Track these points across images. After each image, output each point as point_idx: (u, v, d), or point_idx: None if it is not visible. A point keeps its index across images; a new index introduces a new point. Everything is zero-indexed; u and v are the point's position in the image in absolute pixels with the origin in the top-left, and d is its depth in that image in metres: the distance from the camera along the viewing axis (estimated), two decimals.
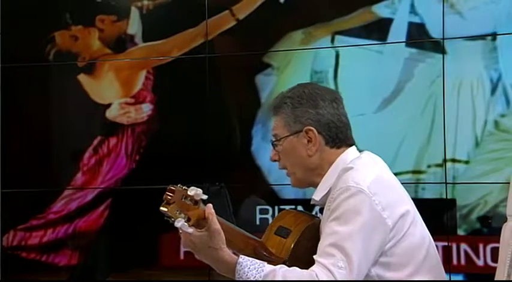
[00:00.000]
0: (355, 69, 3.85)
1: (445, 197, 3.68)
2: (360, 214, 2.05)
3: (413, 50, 3.77)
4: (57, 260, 4.23)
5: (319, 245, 2.08)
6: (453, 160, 3.67)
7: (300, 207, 3.66)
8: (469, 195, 3.66)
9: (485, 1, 3.64)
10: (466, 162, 3.66)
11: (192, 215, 1.96)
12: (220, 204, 3.89)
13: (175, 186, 1.97)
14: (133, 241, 4.10)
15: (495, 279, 2.13)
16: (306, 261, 2.07)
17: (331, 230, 2.06)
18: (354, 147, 2.27)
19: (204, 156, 4.01)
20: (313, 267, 2.03)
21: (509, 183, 2.17)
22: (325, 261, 2.02)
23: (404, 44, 3.78)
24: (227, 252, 2.02)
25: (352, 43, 3.86)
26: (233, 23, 4.05)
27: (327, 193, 2.19)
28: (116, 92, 4.23)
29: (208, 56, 4.06)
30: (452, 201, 3.68)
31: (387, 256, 2.10)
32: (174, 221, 1.96)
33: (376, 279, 2.10)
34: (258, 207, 3.96)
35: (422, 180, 3.72)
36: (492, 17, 3.63)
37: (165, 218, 1.99)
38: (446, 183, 3.66)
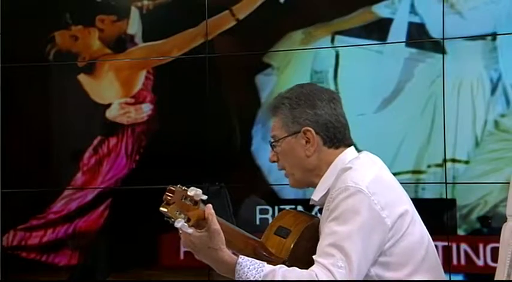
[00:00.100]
0: (355, 69, 3.85)
1: (445, 197, 3.68)
2: (358, 214, 2.05)
3: (413, 50, 3.77)
4: (57, 260, 4.23)
5: (318, 245, 2.08)
6: (453, 160, 3.67)
7: (300, 207, 3.66)
8: (469, 195, 3.66)
9: (485, 1, 3.64)
10: (466, 162, 3.66)
11: (191, 215, 1.96)
12: (220, 204, 3.89)
13: (175, 186, 1.97)
14: (133, 241, 4.10)
15: (495, 279, 2.13)
16: (306, 261, 2.07)
17: (330, 230, 2.06)
18: (352, 147, 2.27)
19: (204, 156, 4.01)
20: (312, 267, 2.03)
21: (509, 183, 2.17)
22: (324, 261, 2.02)
23: (404, 44, 3.78)
24: (227, 253, 2.02)
25: (352, 43, 3.87)
26: (233, 23, 4.05)
27: (325, 193, 2.19)
28: (116, 92, 4.23)
29: (208, 56, 4.06)
30: (452, 201, 3.68)
31: (386, 256, 2.10)
32: (174, 222, 1.96)
33: (376, 279, 2.10)
34: (258, 207, 3.96)
35: (422, 180, 3.72)
36: (492, 17, 3.63)
37: (165, 218, 1.99)
38: (446, 183, 3.66)
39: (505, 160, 3.59)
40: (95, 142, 4.22)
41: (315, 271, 2.01)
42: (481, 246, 3.62)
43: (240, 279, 2.01)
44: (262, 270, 2.01)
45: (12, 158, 4.28)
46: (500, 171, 3.59)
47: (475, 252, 3.64)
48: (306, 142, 2.23)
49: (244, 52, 4.04)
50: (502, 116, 3.62)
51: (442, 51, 3.69)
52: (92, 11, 4.25)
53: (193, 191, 1.96)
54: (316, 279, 2.00)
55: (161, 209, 1.95)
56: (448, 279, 3.53)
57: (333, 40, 3.91)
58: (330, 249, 2.03)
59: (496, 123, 3.63)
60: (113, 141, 4.21)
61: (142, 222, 3.89)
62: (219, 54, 4.08)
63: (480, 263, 3.63)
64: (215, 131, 4.03)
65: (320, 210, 2.24)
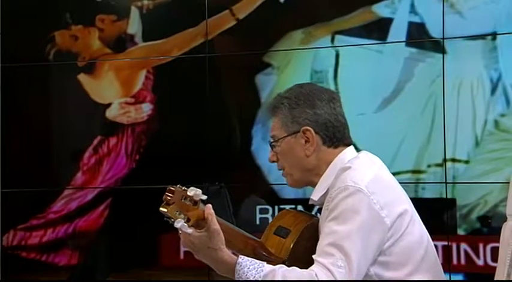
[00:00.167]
0: (355, 68, 3.85)
1: (445, 196, 3.68)
2: (358, 213, 2.05)
3: (413, 50, 3.77)
4: (57, 259, 4.23)
5: (318, 244, 2.08)
6: (453, 160, 3.67)
7: (300, 207, 3.66)
8: (469, 194, 3.66)
9: (485, 1, 3.64)
10: (466, 162, 3.66)
11: (191, 215, 1.96)
12: (220, 204, 3.89)
13: (174, 186, 1.97)
14: (133, 241, 4.10)
15: (495, 278, 2.13)
16: (306, 261, 2.07)
17: (329, 230, 2.06)
18: (351, 147, 2.27)
19: (204, 156, 4.01)
20: (312, 267, 2.03)
21: (509, 182, 2.17)
22: (324, 260, 2.02)
23: (404, 43, 3.78)
24: (226, 253, 2.02)
25: (352, 43, 3.86)
26: (233, 22, 4.05)
27: (325, 193, 2.19)
28: (116, 91, 4.23)
29: (208, 56, 4.06)
30: (452, 201, 3.68)
31: (386, 255, 2.10)
32: (173, 222, 1.96)
33: (375, 278, 2.10)
34: (258, 207, 3.96)
35: (422, 179, 3.72)
36: (492, 16, 3.63)
37: (165, 218, 1.99)
38: (446, 182, 3.66)
39: (505, 160, 3.59)
40: (95, 142, 4.22)
41: (314, 271, 2.01)
42: (481, 246, 3.62)
43: (240, 279, 2.01)
44: (262, 270, 2.01)
45: (12, 158, 4.28)
46: (500, 171, 3.59)
47: (475, 252, 3.64)
48: (306, 142, 2.23)
49: (244, 52, 4.04)
50: (502, 115, 3.62)
51: (442, 51, 3.69)
52: (92, 10, 4.25)
53: (193, 191, 1.96)
54: (316, 278, 2.00)
55: (161, 209, 1.95)
56: (448, 279, 3.53)
57: (333, 40, 3.91)
58: (329, 248, 2.03)
59: (496, 123, 3.62)
60: (113, 141, 4.21)
61: (143, 222, 3.89)
62: (219, 54, 4.08)
63: (480, 262, 3.63)
64: (215, 131, 4.03)
65: (320, 210, 2.24)
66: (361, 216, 2.05)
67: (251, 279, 2.00)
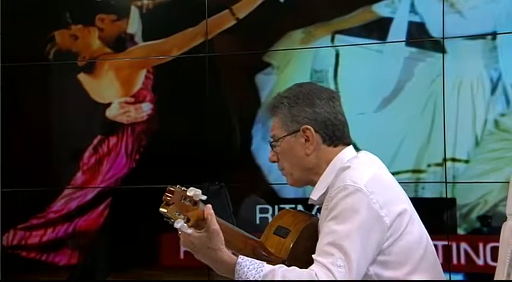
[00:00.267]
0: (355, 68, 3.85)
1: (445, 196, 3.68)
2: (357, 213, 2.05)
3: (413, 49, 3.77)
4: (57, 259, 4.23)
5: (317, 244, 2.08)
6: (453, 159, 3.67)
7: (300, 207, 3.66)
8: (469, 194, 3.66)
9: (485, 0, 3.64)
10: (466, 161, 3.66)
11: (191, 215, 1.96)
12: (220, 203, 3.89)
13: (174, 187, 1.97)
14: (133, 241, 4.10)
15: (495, 278, 2.13)
16: (305, 261, 2.07)
17: (329, 229, 2.06)
18: (351, 146, 2.27)
19: (204, 155, 4.01)
20: (312, 267, 2.03)
21: (509, 182, 2.17)
22: (324, 260, 2.02)
23: (404, 43, 3.78)
24: (226, 253, 2.02)
25: (352, 42, 3.87)
26: (233, 22, 4.05)
27: (324, 192, 2.19)
28: (116, 91, 4.23)
29: (208, 56, 4.06)
30: (452, 201, 3.68)
31: (385, 255, 2.10)
32: (173, 222, 1.95)
33: (375, 278, 2.10)
34: (258, 207, 3.96)
35: (422, 179, 3.72)
36: (492, 16, 3.63)
37: (165, 219, 1.99)
38: (446, 182, 3.66)
39: (505, 159, 3.59)
40: (95, 141, 4.22)
41: (314, 270, 2.01)
42: (481, 245, 3.62)
43: (240, 279, 2.00)
44: (262, 270, 2.01)
45: (12, 158, 4.28)
46: (500, 170, 3.59)
47: (475, 252, 3.64)
48: (306, 140, 2.23)
49: (244, 51, 4.04)
50: (502, 115, 3.62)
51: (442, 50, 3.69)
52: (91, 10, 4.25)
53: (193, 192, 1.96)
54: (316, 278, 2.00)
55: (161, 209, 1.95)
56: (448, 278, 3.54)
57: (333, 39, 3.91)
58: (329, 248, 2.03)
59: (496, 123, 3.62)
60: (113, 140, 4.21)
61: (142, 222, 3.89)
62: (219, 54, 4.08)
63: (480, 262, 3.63)
64: (215, 131, 4.03)
65: (319, 210, 2.24)
66: (361, 216, 2.05)
67: (251, 279, 2.00)
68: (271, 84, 3.98)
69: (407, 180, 3.67)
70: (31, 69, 4.27)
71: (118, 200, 4.19)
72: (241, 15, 4.03)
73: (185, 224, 1.94)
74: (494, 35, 3.63)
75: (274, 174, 3.85)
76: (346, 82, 3.85)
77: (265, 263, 2.04)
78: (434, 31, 3.72)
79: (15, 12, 4.31)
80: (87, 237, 4.20)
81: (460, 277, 3.67)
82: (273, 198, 3.94)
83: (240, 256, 2.03)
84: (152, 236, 4.03)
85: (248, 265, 2.01)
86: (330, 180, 2.19)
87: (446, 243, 3.64)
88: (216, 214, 2.01)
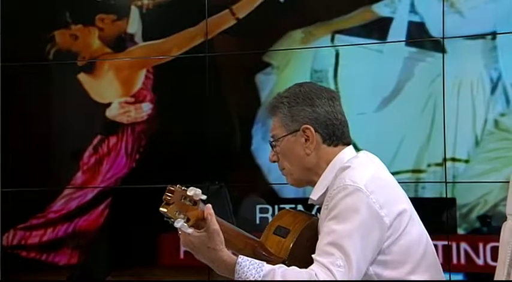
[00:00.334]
0: (355, 68, 3.85)
1: (445, 196, 3.68)
2: (357, 212, 2.05)
3: (413, 49, 3.77)
4: (57, 259, 4.23)
5: (317, 244, 2.08)
6: (453, 159, 3.67)
7: (300, 206, 3.66)
8: (469, 194, 3.66)
9: (485, 0, 3.64)
10: (466, 161, 3.66)
11: (191, 215, 1.96)
12: (220, 203, 3.89)
13: (174, 186, 1.97)
14: (133, 240, 4.10)
15: (495, 278, 2.13)
16: (305, 261, 2.07)
17: (329, 229, 2.06)
18: (351, 146, 2.27)
19: (204, 155, 4.01)
20: (312, 266, 2.03)
21: (509, 182, 2.17)
22: (324, 260, 2.02)
23: (404, 43, 3.78)
24: (226, 253, 2.02)
25: (352, 42, 3.87)
26: (233, 22, 4.05)
27: (324, 192, 2.19)
28: (116, 91, 4.23)
29: (208, 55, 4.06)
30: (452, 200, 3.68)
31: (385, 254, 2.10)
32: (173, 222, 1.95)
33: (375, 278, 2.10)
34: (258, 207, 3.96)
35: (422, 179, 3.72)
36: (492, 16, 3.63)
37: (165, 218, 1.98)
38: (446, 182, 3.66)
39: (505, 159, 3.59)
40: (95, 141, 4.22)
41: (314, 270, 2.01)
42: (481, 245, 3.62)
43: (240, 279, 2.00)
44: (262, 270, 2.01)
45: (12, 157, 4.28)
46: (500, 170, 3.59)
47: (475, 252, 3.64)
48: (306, 140, 2.23)
49: (244, 51, 4.04)
50: (502, 115, 3.62)
51: (442, 50, 3.69)
52: (91, 10, 4.26)
53: (193, 191, 1.96)
54: (316, 278, 2.00)
55: (161, 209, 1.95)
56: (448, 278, 3.53)
57: (333, 39, 3.91)
58: (329, 248, 2.03)
59: (496, 123, 3.62)
60: (112, 140, 4.21)
61: (142, 222, 3.89)
62: (219, 54, 4.08)
63: (480, 262, 3.63)
64: (215, 131, 4.03)
65: (319, 210, 2.24)
66: (361, 216, 2.05)
67: (251, 279, 2.00)
68: (271, 84, 3.98)
69: (407, 180, 3.67)
70: (31, 69, 4.27)
71: (118, 200, 4.19)
72: (241, 15, 4.04)
73: (185, 224, 1.94)
74: (494, 35, 3.63)
75: (274, 174, 3.85)
76: (346, 82, 3.85)
77: (265, 262, 2.04)
78: (434, 31, 3.72)
79: (15, 12, 4.31)
80: (87, 237, 4.20)
81: (460, 277, 3.67)
82: (273, 198, 3.94)
83: (240, 256, 2.03)
84: (152, 235, 4.03)
85: (248, 265, 2.01)
86: (329, 180, 2.19)
87: (446, 243, 3.64)
88: (216, 214, 2.01)
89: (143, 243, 4.09)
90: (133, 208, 4.07)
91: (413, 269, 2.13)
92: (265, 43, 4.00)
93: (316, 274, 2.00)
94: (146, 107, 4.18)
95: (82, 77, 4.25)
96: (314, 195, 2.24)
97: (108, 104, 4.21)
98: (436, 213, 3.66)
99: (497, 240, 2.13)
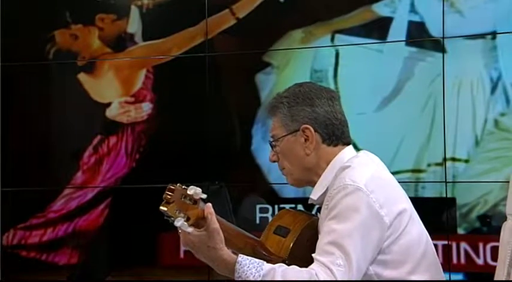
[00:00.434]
0: (355, 68, 3.85)
1: (445, 195, 3.68)
2: (357, 212, 2.05)
3: (413, 49, 3.77)
4: (57, 259, 4.23)
5: (317, 243, 2.08)
6: (453, 159, 3.67)
7: (300, 206, 3.66)
8: (469, 194, 3.66)
9: (485, 0, 3.64)
10: (466, 161, 3.66)
11: (191, 214, 1.96)
12: (220, 203, 3.89)
13: (174, 185, 1.97)
14: (133, 240, 4.10)
15: (495, 278, 2.13)
16: (305, 260, 2.07)
17: (329, 228, 2.06)
18: (351, 146, 2.27)
19: (204, 155, 4.01)
20: (312, 266, 2.03)
21: (509, 182, 2.17)
22: (324, 259, 2.02)
23: (404, 42, 3.78)
24: (226, 252, 2.02)
25: (352, 42, 3.87)
26: (233, 21, 4.05)
27: (324, 192, 2.19)
28: (116, 91, 4.23)
29: (208, 55, 4.06)
30: (452, 200, 3.68)
31: (385, 254, 2.10)
32: (173, 221, 1.95)
33: (375, 277, 2.10)
34: (258, 206, 3.96)
35: (422, 179, 3.73)
36: (492, 15, 3.63)
37: (165, 217, 1.98)
38: (446, 182, 3.66)
39: (504, 159, 3.59)
40: (95, 141, 4.22)
41: (314, 269, 2.01)
42: (480, 245, 3.62)
43: (240, 278, 2.00)
44: (262, 269, 2.01)
45: (12, 157, 4.28)
46: (500, 170, 3.59)
47: (475, 251, 3.64)
48: (305, 140, 2.23)
49: (244, 51, 4.04)
50: (502, 115, 3.62)
51: (442, 50, 3.69)
52: (91, 9, 4.26)
53: (193, 190, 1.96)
54: (316, 277, 2.00)
55: (161, 208, 1.95)
56: (448, 278, 3.53)
57: (333, 39, 3.91)
58: (329, 247, 2.03)
59: (496, 122, 3.63)
60: (112, 140, 4.21)
61: (142, 221, 3.89)
62: (219, 53, 4.08)
63: (480, 262, 3.63)
64: (215, 131, 4.03)
65: (319, 209, 2.24)
66: (361, 215, 2.05)
67: (251, 278, 1.99)
68: (271, 84, 3.98)
69: (407, 179, 3.68)
70: (31, 69, 4.27)
71: (118, 199, 4.19)
72: (241, 15, 4.04)
73: (185, 223, 1.94)
74: (494, 34, 3.63)
75: (274, 174, 3.85)
76: (346, 82, 3.85)
77: (265, 262, 2.04)
78: (434, 31, 3.72)
79: (15, 12, 4.31)
80: (87, 237, 4.20)
81: (460, 277, 3.67)
82: (273, 197, 3.94)
83: (240, 255, 2.03)
84: (152, 235, 4.02)
85: (248, 264, 2.01)
86: (329, 179, 2.19)
87: (446, 242, 3.64)
88: (216, 213, 2.01)
89: (143, 243, 4.09)
90: (133, 208, 4.07)
91: (413, 269, 2.13)
92: (265, 43, 4.00)
93: (316, 273, 2.00)
94: (146, 107, 4.18)
95: (82, 76, 4.25)
96: (314, 195, 2.24)
97: (108, 104, 4.21)
98: (436, 213, 3.66)
99: (497, 240, 2.13)
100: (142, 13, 4.20)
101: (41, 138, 4.35)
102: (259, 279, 2.00)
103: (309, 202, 2.28)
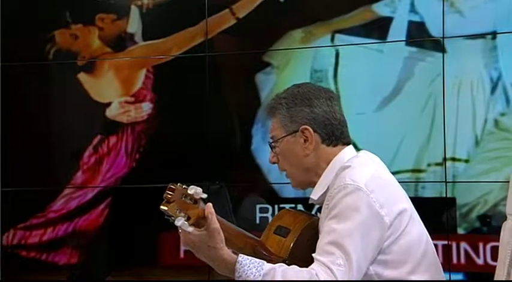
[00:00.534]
0: (355, 68, 3.85)
1: (445, 195, 3.68)
2: (358, 211, 2.06)
3: (413, 49, 3.77)
4: (57, 258, 4.23)
5: (318, 243, 2.08)
6: (453, 159, 3.67)
7: (300, 206, 3.66)
8: (469, 194, 3.66)
9: (485, 0, 3.64)
10: (466, 161, 3.66)
11: (191, 214, 1.96)
12: (220, 203, 3.89)
13: (175, 184, 1.97)
14: (133, 240, 4.10)
15: (495, 278, 2.13)
16: (306, 260, 2.07)
17: (329, 228, 2.06)
18: (350, 146, 2.27)
19: (204, 155, 4.01)
20: (312, 266, 2.03)
21: (509, 182, 2.17)
22: (324, 259, 2.02)
23: (404, 42, 3.78)
24: (226, 252, 2.02)
25: (352, 42, 3.87)
26: (233, 21, 4.05)
27: (324, 192, 2.19)
28: (116, 90, 4.23)
29: (208, 55, 4.06)
30: (452, 200, 3.68)
31: (385, 254, 2.10)
32: (174, 220, 1.95)
33: (375, 277, 2.10)
34: (258, 206, 3.96)
35: (422, 179, 3.73)
36: (492, 15, 3.63)
37: (165, 216, 1.98)
38: (446, 182, 3.66)
39: (504, 159, 3.59)
40: (95, 141, 4.22)
41: (314, 269, 2.01)
42: (481, 245, 3.62)
43: (240, 278, 2.00)
44: (262, 269, 2.01)
45: (12, 157, 4.28)
46: (500, 170, 3.59)
47: (475, 251, 3.64)
48: (305, 141, 2.23)
49: (244, 51, 4.04)
50: (502, 115, 3.62)
51: (442, 50, 3.69)
52: (91, 9, 4.25)
53: (193, 190, 1.96)
54: (316, 277, 2.00)
55: (161, 207, 1.95)
56: (448, 278, 3.53)
57: (333, 39, 3.91)
58: (329, 247, 2.03)
59: (496, 122, 3.63)
60: (112, 140, 4.21)
61: (142, 221, 3.89)
62: (219, 53, 4.08)
63: (480, 261, 3.63)
64: (215, 131, 4.03)
65: (319, 209, 2.24)
66: (361, 215, 2.05)
67: (251, 278, 2.00)
68: (271, 84, 3.98)
69: (407, 179, 3.68)
70: (31, 69, 4.27)
71: (118, 199, 4.19)
72: (241, 15, 4.04)
73: (186, 222, 1.94)
74: (494, 34, 3.63)
75: (274, 174, 3.85)
76: (346, 82, 3.85)
77: (265, 261, 2.04)
78: (434, 31, 3.72)
79: (15, 12, 4.31)
80: (87, 237, 4.20)
81: (460, 277, 3.67)
82: (273, 197, 3.94)
83: (240, 255, 2.03)
84: (152, 235, 4.02)
85: (248, 264, 2.01)
86: (330, 179, 2.19)
87: (446, 242, 3.64)
88: (216, 213, 2.01)
89: (143, 243, 4.09)
90: (134, 208, 4.07)
91: (413, 269, 2.13)
92: (265, 43, 4.00)
93: (316, 273, 2.00)
94: (146, 107, 4.18)
95: (82, 76, 4.25)
96: (314, 194, 2.24)
97: (108, 104, 4.21)
98: (436, 213, 3.66)
99: (497, 240, 2.13)
100: (142, 13, 4.20)
101: (41, 138, 4.35)
102: (259, 279, 2.00)
103: (309, 202, 2.29)
